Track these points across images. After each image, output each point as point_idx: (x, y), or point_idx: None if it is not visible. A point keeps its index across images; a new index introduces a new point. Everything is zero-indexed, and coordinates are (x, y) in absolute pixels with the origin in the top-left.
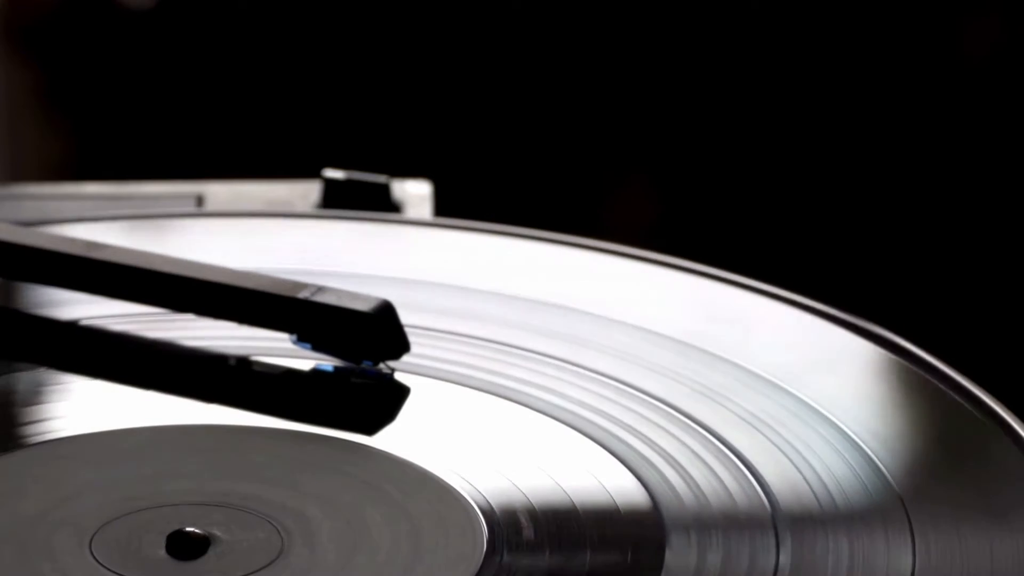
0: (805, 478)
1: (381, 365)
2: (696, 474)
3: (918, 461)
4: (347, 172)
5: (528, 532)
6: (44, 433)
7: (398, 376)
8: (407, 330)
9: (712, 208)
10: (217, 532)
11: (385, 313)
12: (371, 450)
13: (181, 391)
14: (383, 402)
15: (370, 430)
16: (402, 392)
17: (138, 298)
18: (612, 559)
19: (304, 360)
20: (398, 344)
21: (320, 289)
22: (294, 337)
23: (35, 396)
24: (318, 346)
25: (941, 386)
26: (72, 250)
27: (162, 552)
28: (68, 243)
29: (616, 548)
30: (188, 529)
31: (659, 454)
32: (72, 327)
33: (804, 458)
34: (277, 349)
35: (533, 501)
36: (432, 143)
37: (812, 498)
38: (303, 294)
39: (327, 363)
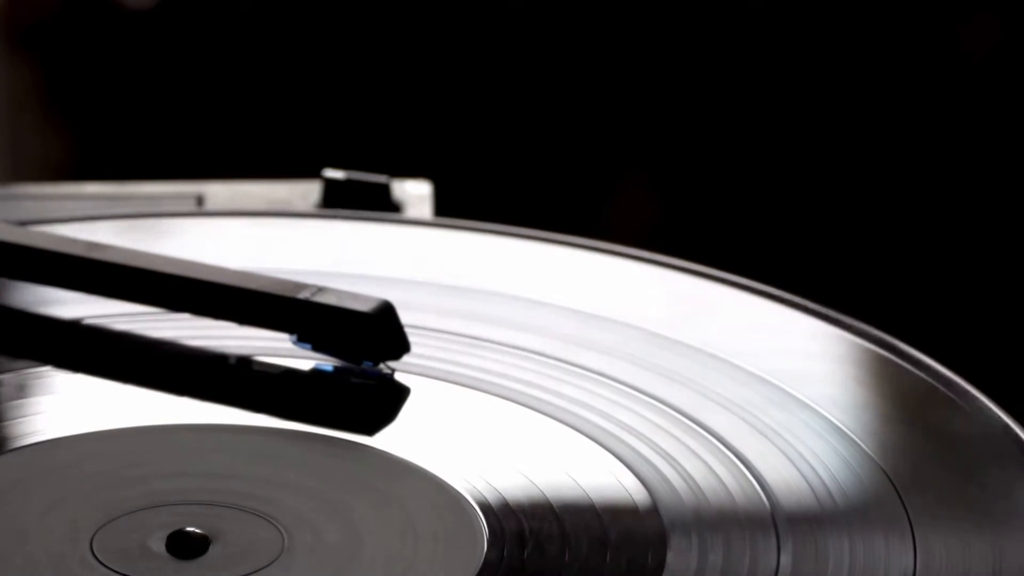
0: (806, 478)
1: (381, 365)
2: (697, 475)
3: (918, 461)
4: (347, 172)
5: (528, 533)
6: (44, 433)
7: (398, 376)
8: (407, 330)
9: (713, 208)
10: (217, 532)
11: (385, 313)
12: (371, 450)
13: (181, 391)
14: (383, 402)
15: (370, 430)
16: (402, 392)
17: (138, 298)
18: (613, 560)
19: (304, 360)
20: (398, 344)
21: (320, 289)
22: (294, 337)
23: (34, 396)
24: (318, 346)
25: (941, 388)
26: (73, 250)
27: (162, 552)
28: (69, 243)
29: (617, 548)
30: (188, 529)
31: (659, 454)
32: (72, 326)
33: (804, 459)
34: (277, 348)
35: (533, 501)
36: (432, 143)
37: (813, 498)
38: (303, 294)
39: (327, 363)
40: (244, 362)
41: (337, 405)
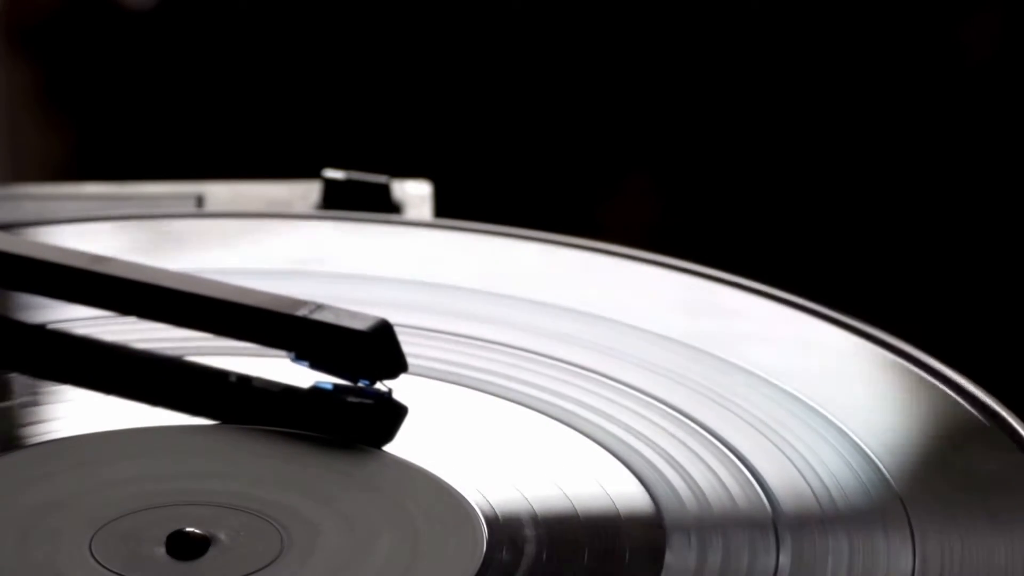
0: (805, 478)
1: (378, 384)
2: (696, 474)
3: (918, 461)
4: (347, 172)
5: (528, 532)
6: (44, 434)
7: (397, 382)
8: (407, 331)
9: (713, 207)
10: (217, 532)
11: (382, 332)
12: (371, 451)
13: (181, 407)
14: (380, 422)
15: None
16: (399, 412)
17: (139, 312)
18: (612, 560)
19: (303, 374)
20: (395, 363)
21: (319, 307)
22: (293, 354)
23: (35, 397)
24: (316, 364)
25: (941, 386)
26: (76, 263)
27: (162, 552)
28: (72, 256)
29: (616, 549)
30: (188, 529)
31: (659, 454)
32: (69, 336)
33: (804, 458)
34: (275, 351)
35: (533, 501)
36: (432, 143)
37: (812, 498)
38: (302, 311)
39: (326, 381)
40: (244, 379)
41: (335, 423)
